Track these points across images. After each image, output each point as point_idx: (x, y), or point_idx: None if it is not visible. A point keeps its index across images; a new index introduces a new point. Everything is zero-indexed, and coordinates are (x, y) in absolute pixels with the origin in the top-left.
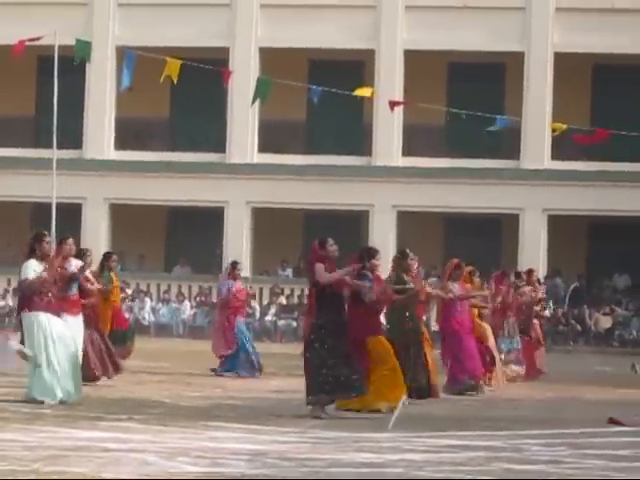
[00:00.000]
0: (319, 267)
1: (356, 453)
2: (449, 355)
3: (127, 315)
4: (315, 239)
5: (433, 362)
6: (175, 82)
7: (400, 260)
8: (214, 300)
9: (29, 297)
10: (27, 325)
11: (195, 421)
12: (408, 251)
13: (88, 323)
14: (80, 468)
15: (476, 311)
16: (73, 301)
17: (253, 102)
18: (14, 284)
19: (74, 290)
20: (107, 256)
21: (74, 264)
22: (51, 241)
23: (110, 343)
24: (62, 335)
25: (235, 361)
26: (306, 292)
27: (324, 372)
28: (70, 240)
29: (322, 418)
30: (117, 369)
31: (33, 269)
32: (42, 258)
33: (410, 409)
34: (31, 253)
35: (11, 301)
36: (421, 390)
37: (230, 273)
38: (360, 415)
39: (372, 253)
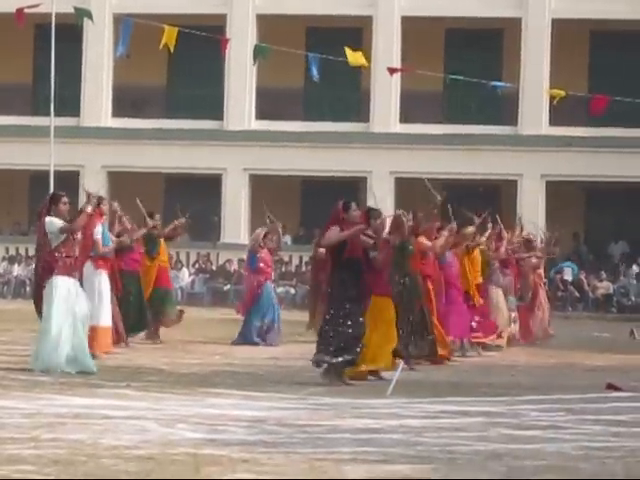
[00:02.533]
0: (331, 231)
1: (355, 419)
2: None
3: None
4: (339, 202)
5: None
6: (172, 50)
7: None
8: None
9: (52, 262)
10: (50, 290)
11: (194, 388)
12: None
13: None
14: (79, 435)
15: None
16: (106, 260)
17: (254, 62)
18: (12, 252)
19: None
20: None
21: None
22: (68, 204)
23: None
24: (77, 301)
25: (248, 332)
26: (305, 259)
27: (331, 336)
28: (64, 199)
29: (341, 384)
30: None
31: (59, 223)
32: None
33: (409, 375)
34: (47, 213)
35: (3, 269)
36: (422, 354)
37: (262, 242)
38: (360, 382)
39: (375, 214)
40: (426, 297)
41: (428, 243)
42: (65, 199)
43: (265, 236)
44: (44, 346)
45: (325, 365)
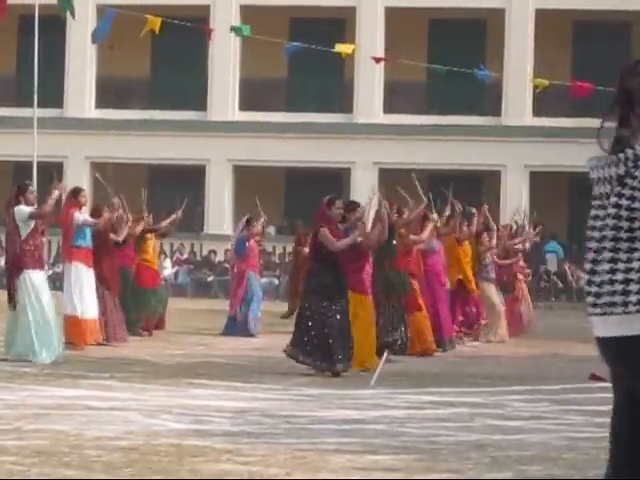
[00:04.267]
0: (325, 234)
1: (338, 410)
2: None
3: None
4: (325, 197)
5: (419, 318)
6: (157, 32)
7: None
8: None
9: (21, 255)
10: (21, 282)
11: (178, 379)
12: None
13: (102, 281)
14: (62, 426)
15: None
16: (86, 252)
17: (236, 34)
18: None
19: (87, 241)
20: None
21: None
22: (35, 192)
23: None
24: (45, 293)
25: (233, 324)
26: (289, 250)
27: (311, 334)
28: (84, 192)
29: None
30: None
31: (28, 209)
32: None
33: (392, 366)
34: (16, 203)
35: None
36: (398, 346)
37: (245, 229)
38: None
39: (352, 207)
40: (411, 294)
41: (411, 236)
42: (32, 188)
43: (248, 222)
44: (21, 336)
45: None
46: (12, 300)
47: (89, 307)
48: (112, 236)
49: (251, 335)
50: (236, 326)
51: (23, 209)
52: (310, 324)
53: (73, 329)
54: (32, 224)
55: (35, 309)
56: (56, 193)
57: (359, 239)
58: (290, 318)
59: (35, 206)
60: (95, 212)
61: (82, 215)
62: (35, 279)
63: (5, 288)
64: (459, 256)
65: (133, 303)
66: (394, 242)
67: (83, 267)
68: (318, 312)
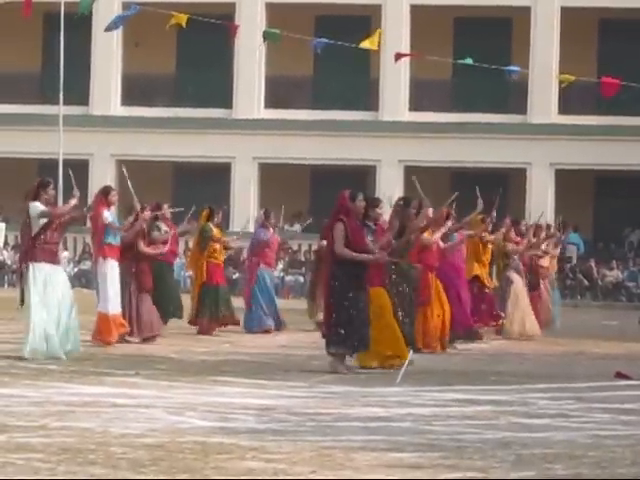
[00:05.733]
0: (338, 230)
1: (364, 407)
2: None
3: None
4: (345, 190)
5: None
6: (185, 26)
7: (403, 208)
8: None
9: (32, 248)
10: (29, 276)
11: (203, 376)
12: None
13: (130, 278)
14: (88, 423)
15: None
16: (117, 250)
17: (264, 42)
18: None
19: (117, 239)
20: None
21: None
22: (54, 191)
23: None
24: (58, 288)
25: (252, 319)
26: (314, 247)
27: (339, 325)
28: (115, 192)
29: (341, 373)
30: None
31: (42, 208)
32: (46, 205)
33: (418, 364)
34: (35, 199)
35: (10, 256)
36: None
37: (263, 222)
38: (368, 370)
39: (375, 203)
40: (426, 288)
41: (429, 238)
42: (52, 187)
43: (266, 216)
44: (33, 332)
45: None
46: (22, 297)
47: (117, 304)
48: (141, 245)
49: (267, 330)
50: (253, 321)
51: (36, 206)
52: (337, 317)
53: (104, 326)
54: (43, 221)
55: (43, 304)
56: (74, 201)
57: (364, 258)
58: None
59: (49, 206)
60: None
61: (109, 216)
62: (45, 273)
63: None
64: (479, 254)
65: (200, 301)
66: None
67: (115, 264)
68: (343, 304)
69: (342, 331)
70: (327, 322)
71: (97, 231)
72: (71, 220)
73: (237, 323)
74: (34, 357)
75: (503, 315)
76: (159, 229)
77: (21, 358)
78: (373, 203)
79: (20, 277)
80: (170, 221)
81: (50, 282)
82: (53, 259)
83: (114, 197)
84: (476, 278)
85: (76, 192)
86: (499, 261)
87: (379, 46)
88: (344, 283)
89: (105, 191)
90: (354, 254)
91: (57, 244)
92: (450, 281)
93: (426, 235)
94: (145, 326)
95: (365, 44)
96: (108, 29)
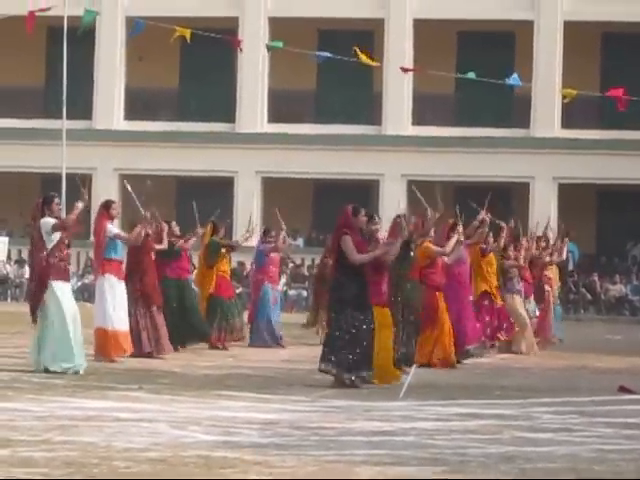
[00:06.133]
0: (347, 242)
1: (367, 422)
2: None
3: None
4: (348, 205)
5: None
6: (189, 40)
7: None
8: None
9: (47, 268)
10: (47, 295)
11: (206, 390)
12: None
13: (138, 296)
14: (91, 438)
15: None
16: (118, 265)
17: (269, 51)
18: (25, 254)
19: (119, 254)
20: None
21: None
22: (60, 205)
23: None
24: (69, 305)
25: (256, 333)
26: (317, 262)
27: (340, 344)
28: (116, 205)
29: (345, 381)
30: (160, 350)
31: (52, 223)
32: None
33: (421, 378)
34: (42, 216)
35: (24, 272)
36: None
37: (262, 239)
38: (370, 385)
39: (370, 219)
40: (432, 308)
41: (436, 248)
42: (57, 200)
43: (265, 233)
44: (49, 347)
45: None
46: (34, 314)
47: (120, 320)
48: (156, 246)
49: (267, 345)
50: (258, 336)
51: (48, 220)
52: (338, 334)
53: (102, 342)
54: (57, 236)
55: (58, 321)
56: (80, 205)
57: (378, 252)
58: (310, 329)
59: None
60: (133, 228)
61: (114, 228)
62: (60, 291)
63: (28, 301)
64: (482, 267)
65: (208, 313)
66: (411, 254)
67: (114, 280)
68: (347, 322)
69: (333, 357)
70: (327, 340)
71: (99, 245)
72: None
73: (242, 339)
74: (48, 371)
75: (517, 329)
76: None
77: (39, 372)
78: (368, 219)
79: (35, 295)
80: (179, 238)
81: (63, 299)
82: (66, 276)
83: (115, 210)
84: (485, 293)
85: (82, 200)
86: (499, 279)
87: (381, 61)
88: (348, 303)
89: (107, 205)
90: (370, 253)
91: (68, 260)
92: (453, 300)
93: (435, 249)
94: (158, 344)
95: (364, 59)
96: (132, 34)
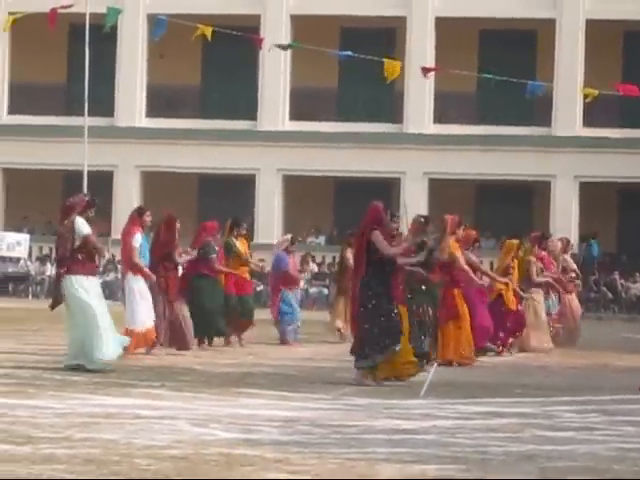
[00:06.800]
0: (378, 236)
1: (388, 420)
2: None
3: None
4: (377, 202)
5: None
6: (210, 39)
7: (422, 225)
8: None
9: (71, 261)
10: (69, 287)
11: (227, 388)
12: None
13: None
14: (112, 435)
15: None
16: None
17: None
18: (46, 251)
19: (145, 259)
20: (235, 224)
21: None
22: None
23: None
24: (96, 299)
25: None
26: (337, 259)
27: (376, 334)
28: (149, 212)
29: (366, 385)
30: (183, 346)
31: (89, 227)
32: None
33: (442, 376)
34: (81, 213)
35: (45, 269)
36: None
37: (286, 248)
38: (393, 382)
39: (390, 217)
40: (452, 305)
41: (462, 262)
42: (95, 208)
43: (293, 242)
44: (74, 342)
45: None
46: (55, 303)
47: (147, 318)
48: (174, 256)
49: (287, 343)
50: (286, 336)
51: (84, 227)
52: (368, 327)
53: (133, 342)
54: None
55: (84, 315)
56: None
57: (406, 245)
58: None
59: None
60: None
61: (140, 239)
62: (85, 285)
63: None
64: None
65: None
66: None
67: (142, 281)
68: (377, 314)
69: (370, 347)
70: (357, 336)
71: (126, 249)
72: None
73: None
74: (73, 367)
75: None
76: (215, 250)
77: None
78: (390, 217)
79: (58, 285)
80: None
81: (89, 293)
82: (93, 271)
83: (148, 217)
84: (500, 297)
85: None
86: (522, 277)
87: (402, 59)
88: (372, 291)
89: (140, 211)
90: (401, 246)
91: (94, 256)
92: (469, 299)
93: (459, 262)
94: (177, 337)
95: (389, 65)
96: (155, 36)
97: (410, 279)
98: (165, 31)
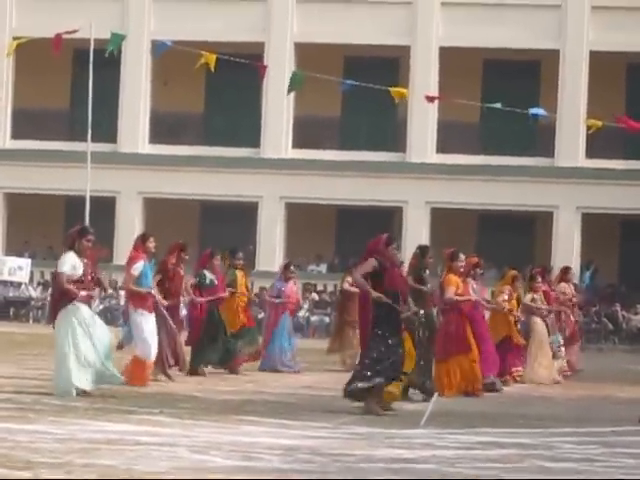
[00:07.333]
0: (368, 263)
1: (388, 449)
2: None
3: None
4: (382, 234)
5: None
6: (213, 70)
7: (419, 256)
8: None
9: (63, 290)
10: (61, 316)
11: (227, 415)
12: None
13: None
14: (111, 461)
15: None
16: (146, 297)
17: (288, 93)
18: (48, 276)
19: (148, 285)
20: (234, 254)
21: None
22: (93, 240)
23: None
24: (92, 325)
25: (270, 359)
26: (339, 288)
27: (385, 362)
28: (153, 239)
29: (376, 414)
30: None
31: (71, 263)
32: (79, 253)
33: (442, 406)
34: (71, 246)
35: (40, 293)
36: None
37: (282, 274)
38: (393, 412)
39: (389, 241)
40: (464, 335)
41: (451, 290)
42: (91, 237)
43: (286, 267)
44: (62, 370)
45: (360, 388)
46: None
47: (153, 349)
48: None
49: (277, 370)
50: (269, 362)
51: (62, 264)
52: (375, 356)
53: (138, 370)
54: (80, 270)
55: (78, 343)
56: (94, 294)
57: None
58: (331, 355)
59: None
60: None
61: (143, 266)
62: (79, 313)
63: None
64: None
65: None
66: (425, 289)
67: (145, 311)
68: (382, 343)
69: (369, 372)
70: (361, 362)
71: (129, 276)
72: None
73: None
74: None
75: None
76: (205, 278)
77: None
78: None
79: (54, 312)
80: (217, 268)
81: (88, 321)
82: (87, 301)
83: (152, 244)
84: (508, 337)
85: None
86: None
87: (406, 88)
88: (378, 325)
89: (144, 238)
90: (368, 287)
91: (92, 286)
92: (476, 328)
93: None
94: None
95: (396, 90)
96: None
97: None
98: (165, 50)
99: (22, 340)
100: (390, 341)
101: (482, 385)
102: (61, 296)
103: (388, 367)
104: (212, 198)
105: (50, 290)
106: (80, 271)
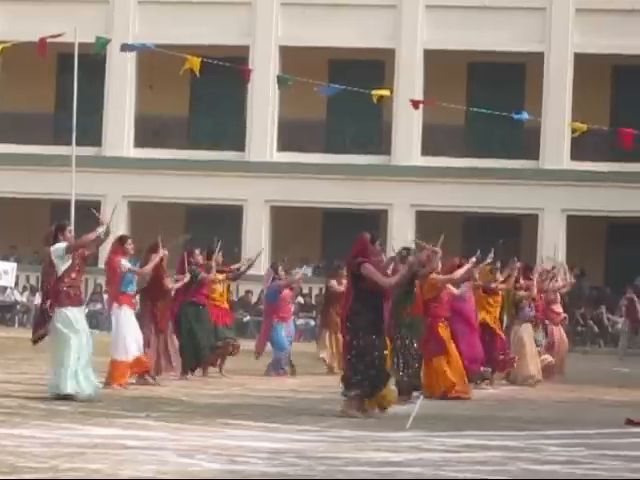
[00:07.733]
0: (370, 269)
1: (374, 452)
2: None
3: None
4: (364, 233)
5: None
6: (198, 74)
7: (404, 258)
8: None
9: (56, 293)
10: (55, 319)
11: (213, 419)
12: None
13: (150, 320)
14: (98, 465)
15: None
16: (132, 297)
17: (279, 88)
18: (33, 281)
19: (134, 287)
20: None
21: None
22: (73, 232)
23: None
24: (84, 330)
25: (275, 364)
26: (324, 291)
27: (360, 369)
28: (131, 240)
29: (352, 417)
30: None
31: (64, 244)
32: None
33: (428, 409)
34: (55, 243)
35: (26, 298)
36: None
37: (274, 277)
38: (379, 415)
39: (374, 238)
40: (437, 339)
41: (443, 276)
42: (70, 228)
43: (272, 267)
44: (56, 372)
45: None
46: (37, 337)
47: (138, 346)
48: (166, 282)
49: (285, 374)
50: (275, 367)
51: (60, 245)
52: (357, 360)
53: (119, 372)
54: (69, 261)
55: (69, 346)
56: (100, 230)
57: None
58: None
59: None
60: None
61: (127, 263)
62: (71, 317)
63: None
64: (483, 302)
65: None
66: (414, 290)
67: (130, 311)
68: (367, 348)
69: (359, 377)
70: (346, 365)
71: (113, 279)
72: (97, 243)
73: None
74: (55, 397)
75: (516, 358)
76: (198, 274)
77: (48, 399)
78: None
79: (43, 318)
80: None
81: (75, 325)
82: (78, 302)
83: (130, 246)
84: (485, 325)
85: (102, 226)
86: (510, 310)
87: (392, 92)
88: (364, 328)
89: (122, 240)
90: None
91: (80, 286)
92: (458, 331)
93: (439, 276)
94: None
95: (378, 92)
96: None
97: (396, 310)
98: (136, 50)
99: (8, 344)
100: (376, 342)
101: (469, 381)
102: (55, 296)
103: (374, 374)
104: (197, 201)
105: (39, 295)
106: (69, 261)
